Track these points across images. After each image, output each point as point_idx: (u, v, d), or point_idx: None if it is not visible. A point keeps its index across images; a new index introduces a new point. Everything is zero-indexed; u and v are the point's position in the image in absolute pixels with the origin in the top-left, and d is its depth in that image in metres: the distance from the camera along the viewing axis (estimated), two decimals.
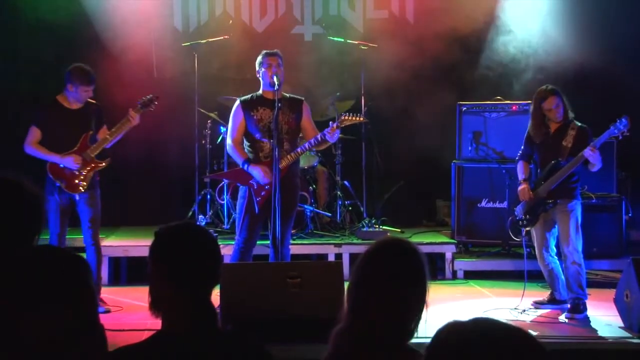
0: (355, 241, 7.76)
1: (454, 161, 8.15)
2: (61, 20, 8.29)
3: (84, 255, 6.01)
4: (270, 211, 5.82)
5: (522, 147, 6.43)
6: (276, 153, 5.82)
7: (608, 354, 5.34)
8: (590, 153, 5.89)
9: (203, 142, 8.31)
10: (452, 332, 1.62)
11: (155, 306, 2.32)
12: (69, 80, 6.08)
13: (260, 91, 6.16)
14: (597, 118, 6.46)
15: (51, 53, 8.74)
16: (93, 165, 6.15)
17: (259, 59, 6.11)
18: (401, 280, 2.27)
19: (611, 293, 6.09)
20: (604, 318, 6.02)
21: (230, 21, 9.04)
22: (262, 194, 5.99)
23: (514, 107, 8.02)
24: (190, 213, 8.23)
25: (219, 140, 8.26)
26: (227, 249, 6.83)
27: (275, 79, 5.94)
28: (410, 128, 8.68)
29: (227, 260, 6.34)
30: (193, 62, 8.19)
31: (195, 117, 8.20)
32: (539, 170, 6.32)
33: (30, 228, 2.43)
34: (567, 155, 6.08)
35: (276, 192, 5.76)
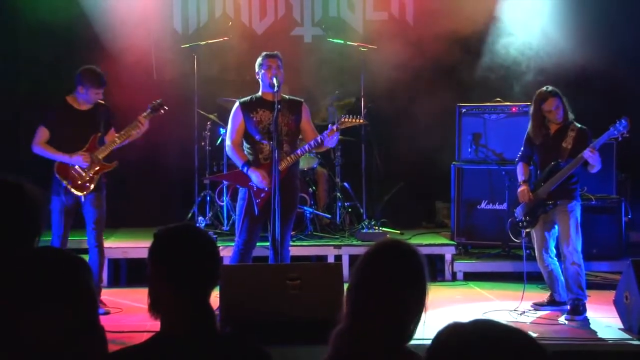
0: (354, 243, 7.76)
1: (453, 163, 8.15)
2: (60, 22, 8.29)
3: (86, 257, 6.01)
4: (270, 213, 5.82)
5: (522, 149, 6.43)
6: (276, 155, 5.82)
7: (608, 355, 5.34)
8: (589, 154, 5.89)
9: (202, 143, 8.31)
10: (452, 334, 1.62)
11: (155, 308, 2.32)
12: (79, 82, 6.07)
13: (260, 93, 6.16)
14: (597, 119, 6.45)
15: (51, 54, 8.75)
16: (100, 166, 6.16)
17: (259, 60, 6.11)
18: (401, 282, 2.27)
19: (611, 294, 6.09)
20: (604, 319, 6.02)
21: (230, 23, 9.04)
22: (262, 195, 5.99)
23: (513, 109, 8.03)
24: (190, 215, 8.23)
25: (218, 142, 8.27)
26: (227, 251, 6.84)
27: (274, 80, 5.94)
28: (410, 130, 8.68)
29: (226, 261, 6.33)
30: (192, 64, 8.19)
31: (195, 119, 8.19)
32: (538, 172, 6.33)
33: (30, 229, 2.43)
34: (566, 157, 6.08)
35: (276, 193, 5.76)
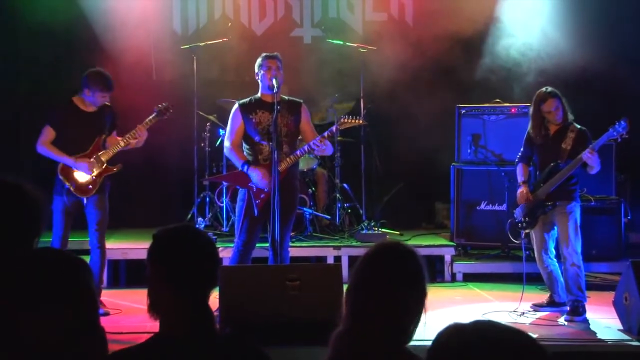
0: (354, 244, 7.76)
1: (453, 164, 8.15)
2: (60, 22, 8.29)
3: (87, 257, 6.01)
4: (270, 213, 5.82)
5: (522, 149, 6.43)
6: (275, 156, 5.82)
7: (607, 356, 5.34)
8: (588, 155, 5.89)
9: (202, 144, 8.31)
10: (453, 335, 1.62)
11: (154, 309, 2.32)
12: (86, 84, 6.06)
13: (259, 94, 6.16)
14: (597, 120, 6.45)
15: (50, 54, 8.76)
16: (104, 169, 6.16)
17: (259, 61, 6.11)
18: (400, 283, 2.27)
19: (610, 296, 6.09)
20: (603, 320, 6.02)
21: (229, 24, 9.04)
22: (262, 196, 5.99)
23: (513, 110, 8.03)
24: (189, 216, 8.23)
25: (218, 143, 8.27)
26: (227, 252, 6.84)
27: (274, 81, 5.94)
28: (410, 130, 8.68)
29: (226, 262, 6.33)
30: (192, 65, 8.19)
31: (194, 120, 8.20)
32: (538, 173, 6.33)
33: (30, 230, 2.43)
34: (566, 158, 6.09)
35: (275, 194, 5.76)
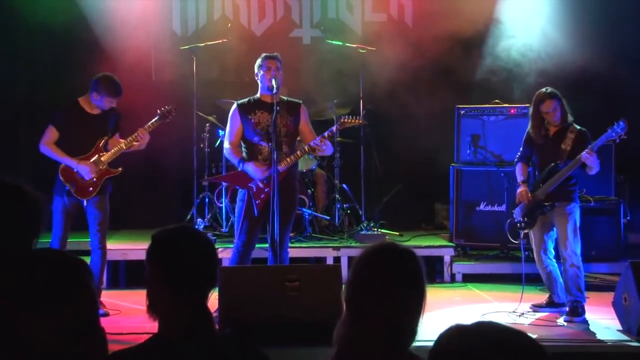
0: (353, 244, 7.76)
1: (452, 164, 8.16)
2: (59, 23, 8.29)
3: (86, 258, 6.01)
4: (269, 214, 5.82)
5: (521, 149, 6.44)
6: (275, 156, 5.82)
7: (606, 357, 5.34)
8: (587, 156, 5.90)
9: (201, 145, 8.31)
10: (454, 336, 1.62)
11: (153, 309, 2.31)
12: (95, 88, 6.05)
13: (258, 94, 6.16)
14: (597, 121, 6.44)
15: (50, 55, 8.76)
16: (105, 172, 6.16)
17: (258, 61, 6.11)
18: (398, 283, 2.27)
19: (609, 296, 6.09)
20: (603, 321, 6.02)
21: (229, 24, 9.04)
22: (261, 196, 5.99)
23: (512, 111, 8.04)
24: (189, 216, 8.23)
25: (217, 143, 8.27)
26: (226, 252, 6.84)
27: (273, 82, 5.94)
28: (409, 131, 8.68)
29: (225, 263, 6.34)
30: (191, 66, 8.20)
31: (194, 121, 8.20)
32: (537, 173, 6.33)
33: (29, 231, 2.43)
34: (565, 158, 6.09)
35: (275, 195, 5.76)
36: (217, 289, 4.85)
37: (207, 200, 8.30)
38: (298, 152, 6.06)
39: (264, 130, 6.01)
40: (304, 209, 7.93)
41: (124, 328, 5.63)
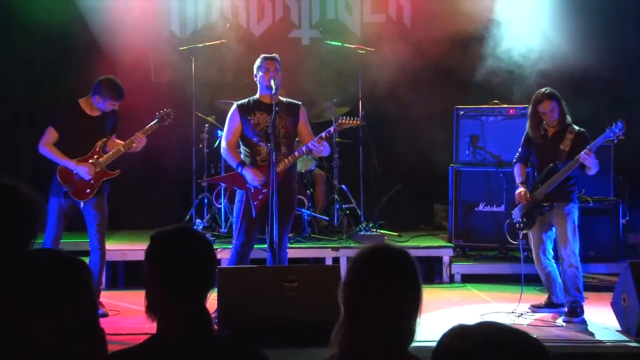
0: (352, 245, 7.76)
1: (451, 165, 8.16)
2: (58, 24, 8.29)
3: (85, 259, 6.01)
4: (268, 215, 5.82)
5: (520, 150, 6.44)
6: (273, 157, 5.82)
7: (605, 357, 5.35)
8: (585, 157, 5.90)
9: (200, 146, 8.31)
10: (458, 336, 1.62)
11: (151, 310, 2.31)
12: (97, 92, 6.04)
13: (257, 95, 6.16)
14: (597, 121, 6.44)
15: (48, 56, 8.76)
16: (102, 174, 6.15)
17: (258, 62, 6.12)
18: (394, 284, 2.26)
19: (608, 296, 6.09)
20: (601, 321, 6.03)
21: (228, 25, 9.03)
22: (260, 197, 5.99)
23: (511, 111, 8.04)
24: (188, 217, 8.23)
25: (216, 144, 8.26)
26: (225, 253, 6.84)
27: (272, 83, 5.94)
28: (408, 132, 8.68)
29: (224, 264, 6.33)
30: (190, 66, 8.20)
31: (193, 121, 8.20)
32: (536, 174, 6.34)
33: (26, 231, 2.43)
34: (564, 159, 6.09)
35: (274, 195, 5.76)
36: (215, 289, 4.85)
37: (206, 200, 8.30)
38: (296, 154, 6.07)
39: (263, 131, 6.02)
40: (302, 210, 7.93)
41: (123, 328, 5.63)
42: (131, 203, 8.63)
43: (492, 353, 1.55)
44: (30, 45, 8.72)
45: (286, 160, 6.01)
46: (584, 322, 5.99)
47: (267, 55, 6.13)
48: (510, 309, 6.24)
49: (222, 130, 6.99)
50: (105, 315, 6.05)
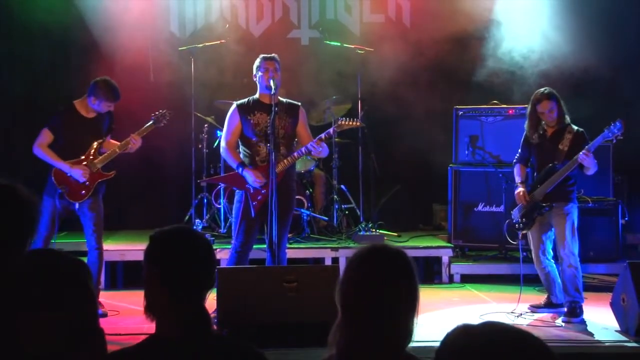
0: (352, 245, 7.76)
1: (450, 165, 8.16)
2: (57, 24, 8.29)
3: (84, 259, 5.99)
4: (267, 215, 5.82)
5: (519, 150, 6.44)
6: (273, 157, 5.82)
7: (604, 357, 5.34)
8: (583, 157, 5.90)
9: (200, 146, 8.31)
10: (461, 336, 1.62)
11: (150, 310, 2.31)
12: (93, 93, 6.04)
13: (257, 95, 6.16)
14: (597, 121, 6.44)
15: (46, 56, 8.75)
16: (98, 175, 6.15)
17: (257, 62, 6.11)
18: (392, 284, 2.26)
19: (608, 297, 6.09)
20: (601, 322, 6.03)
21: (227, 25, 9.04)
22: (259, 198, 5.99)
23: (510, 111, 8.04)
24: (187, 217, 8.23)
25: (215, 144, 8.26)
26: (224, 253, 6.83)
27: (272, 83, 5.94)
28: (407, 132, 8.68)
29: (223, 264, 6.33)
30: (190, 67, 8.20)
31: (192, 122, 8.20)
32: (535, 174, 6.34)
33: (23, 232, 2.43)
34: (563, 159, 6.09)
35: (273, 195, 5.76)
36: (215, 289, 4.85)
37: (205, 201, 8.30)
38: (295, 154, 6.06)
39: (262, 131, 6.01)
40: (302, 210, 7.93)
41: (122, 329, 5.63)
42: (130, 203, 8.63)
43: (496, 353, 1.55)
44: (29, 46, 8.71)
45: (285, 160, 6.01)
46: (583, 322, 5.99)
47: (266, 55, 6.13)
48: (510, 309, 6.24)
49: (221, 130, 6.99)
50: (104, 315, 6.05)
